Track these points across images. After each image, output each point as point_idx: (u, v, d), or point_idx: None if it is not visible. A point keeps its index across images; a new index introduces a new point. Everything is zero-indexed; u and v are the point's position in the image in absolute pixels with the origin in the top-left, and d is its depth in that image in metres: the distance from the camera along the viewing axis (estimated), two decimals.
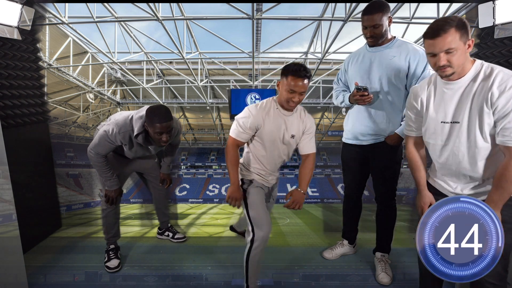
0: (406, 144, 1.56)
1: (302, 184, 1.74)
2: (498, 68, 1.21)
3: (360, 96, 1.83)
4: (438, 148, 1.38)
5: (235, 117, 1.73)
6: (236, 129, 1.71)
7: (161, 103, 16.10)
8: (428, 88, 1.38)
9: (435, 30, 1.20)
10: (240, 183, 1.78)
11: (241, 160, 1.86)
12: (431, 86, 1.37)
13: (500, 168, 1.22)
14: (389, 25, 1.80)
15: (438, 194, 1.44)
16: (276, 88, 1.70)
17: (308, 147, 1.80)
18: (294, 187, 1.93)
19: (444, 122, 1.32)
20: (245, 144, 1.82)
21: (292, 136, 1.75)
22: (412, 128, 1.49)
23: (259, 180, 1.83)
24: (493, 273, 1.21)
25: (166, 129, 1.79)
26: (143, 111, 1.86)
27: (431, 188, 1.49)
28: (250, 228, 1.73)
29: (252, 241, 1.71)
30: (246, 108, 1.73)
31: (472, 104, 1.24)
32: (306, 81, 1.60)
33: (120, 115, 1.93)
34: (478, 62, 1.25)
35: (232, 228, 2.44)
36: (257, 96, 13.91)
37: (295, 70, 1.58)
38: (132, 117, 1.88)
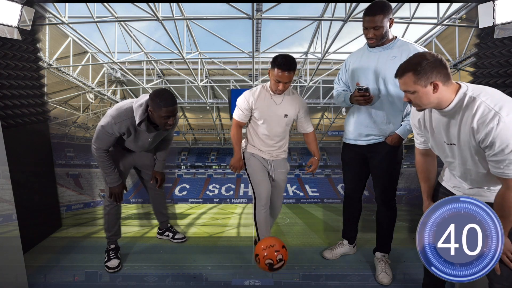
0: (415, 154, 1.56)
1: (315, 153, 2.15)
2: (481, 98, 1.14)
3: (361, 96, 1.83)
4: (447, 163, 1.41)
5: (236, 103, 2.10)
6: (237, 111, 2.09)
7: None
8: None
9: (398, 70, 1.24)
10: (243, 156, 2.14)
11: (248, 135, 2.21)
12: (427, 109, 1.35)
13: (497, 198, 1.22)
14: (390, 27, 1.79)
15: (447, 195, 1.44)
16: (268, 75, 1.98)
17: (307, 127, 2.16)
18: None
19: (445, 143, 1.32)
20: (250, 122, 2.13)
21: (286, 116, 2.04)
22: (419, 141, 1.49)
23: (259, 154, 2.13)
24: (509, 282, 1.23)
25: (172, 113, 1.79)
26: (142, 99, 1.86)
27: (442, 188, 1.51)
28: (253, 193, 2.08)
29: (255, 202, 2.06)
30: (243, 93, 2.08)
31: (460, 132, 1.22)
32: (291, 73, 1.85)
33: (114, 107, 1.94)
34: (462, 90, 1.19)
35: (256, 242, 2.37)
36: None
37: (280, 64, 1.83)
38: (128, 107, 1.88)
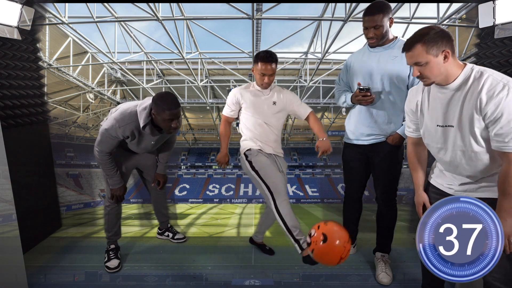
0: (407, 144, 1.57)
1: (320, 134, 2.02)
2: (488, 72, 1.18)
3: (363, 96, 1.83)
4: (436, 151, 1.39)
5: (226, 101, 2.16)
6: (225, 108, 2.15)
7: None
8: (423, 91, 1.38)
9: (406, 44, 1.24)
10: (244, 156, 2.05)
11: (244, 135, 2.14)
12: (426, 89, 1.37)
13: (501, 175, 1.21)
14: (390, 26, 1.80)
15: (439, 194, 1.46)
16: (252, 73, 2.04)
17: (304, 110, 2.12)
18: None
19: (439, 126, 1.32)
20: (241, 120, 2.15)
21: (274, 103, 2.07)
22: (411, 129, 1.50)
23: (264, 149, 2.06)
24: (501, 274, 1.23)
25: (175, 116, 1.80)
26: (146, 102, 1.86)
27: (432, 187, 1.51)
28: (267, 189, 1.91)
29: (273, 197, 1.87)
30: (231, 90, 2.14)
31: (462, 109, 1.23)
32: (273, 65, 1.95)
33: (118, 110, 1.94)
34: (469, 66, 1.23)
35: (251, 240, 2.44)
36: None
37: (263, 57, 1.94)
38: (132, 110, 1.88)
